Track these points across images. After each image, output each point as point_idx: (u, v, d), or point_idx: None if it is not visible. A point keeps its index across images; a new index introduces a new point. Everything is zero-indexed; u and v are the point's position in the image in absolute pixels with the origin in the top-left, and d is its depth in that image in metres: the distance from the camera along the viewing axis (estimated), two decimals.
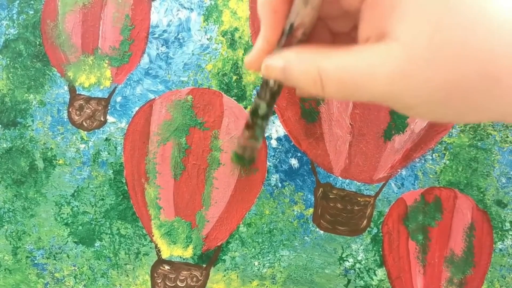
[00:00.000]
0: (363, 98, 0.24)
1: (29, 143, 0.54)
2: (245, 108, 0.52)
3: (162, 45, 0.53)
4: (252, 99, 0.52)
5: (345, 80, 0.24)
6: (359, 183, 0.52)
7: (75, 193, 0.54)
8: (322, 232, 0.52)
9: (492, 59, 0.20)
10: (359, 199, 0.52)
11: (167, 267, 0.53)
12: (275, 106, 0.36)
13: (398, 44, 0.22)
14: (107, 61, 0.53)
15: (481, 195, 0.50)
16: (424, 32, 0.21)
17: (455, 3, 0.21)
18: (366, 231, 0.52)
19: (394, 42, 0.22)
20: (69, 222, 0.54)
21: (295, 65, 0.27)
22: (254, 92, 0.52)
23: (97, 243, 0.54)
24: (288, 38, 0.28)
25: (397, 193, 0.51)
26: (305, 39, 0.28)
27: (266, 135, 0.52)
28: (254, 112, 0.35)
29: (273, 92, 0.32)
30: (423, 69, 0.21)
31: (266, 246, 0.52)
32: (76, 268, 0.54)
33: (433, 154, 0.51)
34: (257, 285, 0.53)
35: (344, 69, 0.24)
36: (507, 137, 0.50)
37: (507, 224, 0.50)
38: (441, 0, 0.21)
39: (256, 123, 0.35)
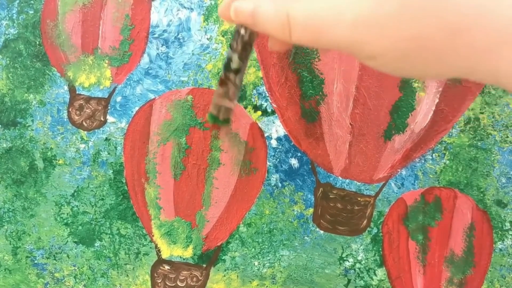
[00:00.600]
0: (328, 44, 0.24)
1: (29, 143, 0.54)
2: (245, 108, 0.52)
3: (162, 45, 0.53)
4: (252, 98, 0.52)
5: (312, 23, 0.24)
6: (359, 183, 0.52)
7: (75, 193, 0.54)
8: (322, 232, 0.52)
9: (456, 11, 0.20)
10: (359, 199, 0.52)
11: (167, 267, 0.53)
12: (249, 60, 0.35)
13: None
14: (107, 61, 0.53)
15: (481, 195, 0.50)
16: None
17: None
18: (366, 231, 0.52)
19: None
20: (69, 222, 0.54)
21: (264, 7, 0.26)
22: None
23: (97, 243, 0.54)
24: None
25: (397, 193, 0.51)
26: None
27: (266, 134, 0.52)
28: (226, 66, 0.34)
29: (244, 42, 0.31)
30: (388, 17, 0.21)
31: (266, 246, 0.52)
32: (76, 268, 0.54)
33: (433, 154, 0.51)
34: (257, 285, 0.53)
35: (312, 11, 0.24)
36: (507, 137, 0.50)
37: (507, 224, 0.50)
38: None
39: (229, 78, 0.34)
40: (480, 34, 0.20)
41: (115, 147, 0.53)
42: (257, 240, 0.52)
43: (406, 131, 0.50)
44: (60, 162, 0.54)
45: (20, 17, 0.54)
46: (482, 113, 0.50)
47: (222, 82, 0.35)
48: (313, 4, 0.24)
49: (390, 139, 0.51)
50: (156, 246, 0.53)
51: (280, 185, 0.52)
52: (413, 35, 0.21)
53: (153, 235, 0.53)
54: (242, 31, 0.31)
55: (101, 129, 0.53)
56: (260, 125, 0.52)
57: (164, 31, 0.53)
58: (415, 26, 0.21)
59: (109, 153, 0.53)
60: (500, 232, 0.50)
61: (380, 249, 0.52)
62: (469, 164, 0.51)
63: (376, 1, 0.21)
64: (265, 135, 0.52)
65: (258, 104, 0.52)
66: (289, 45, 0.32)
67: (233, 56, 0.33)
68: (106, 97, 0.53)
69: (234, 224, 0.52)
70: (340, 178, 0.52)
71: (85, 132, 0.54)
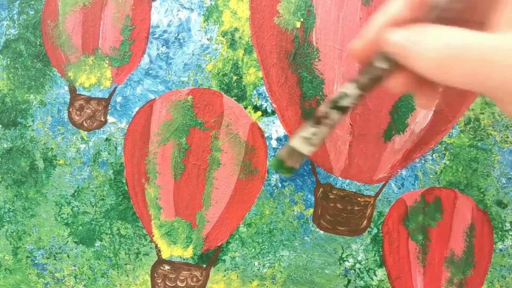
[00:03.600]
0: (486, 86, 0.21)
1: (30, 143, 0.54)
2: (245, 108, 0.52)
3: (163, 45, 0.53)
4: (252, 98, 0.52)
5: (480, 62, 0.21)
6: (359, 183, 0.52)
7: (75, 193, 0.54)
8: (322, 232, 0.52)
9: None
10: (359, 199, 0.52)
11: (167, 267, 0.53)
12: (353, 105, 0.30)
13: None
14: (107, 61, 0.53)
15: (481, 195, 0.50)
16: None
17: None
18: (366, 231, 0.52)
19: None
20: (69, 222, 0.54)
21: (418, 39, 0.23)
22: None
23: (97, 243, 0.54)
24: (437, 10, 0.24)
25: (397, 193, 0.51)
26: (451, 18, 0.24)
27: (266, 135, 0.52)
28: (335, 101, 0.29)
29: (375, 78, 0.27)
30: None
31: (266, 246, 0.52)
32: (76, 268, 0.54)
33: (433, 154, 0.51)
34: (257, 285, 0.53)
35: (483, 50, 0.21)
36: (507, 137, 0.50)
37: (507, 224, 0.50)
38: None
39: (329, 117, 0.29)
40: None
41: (115, 147, 0.53)
42: (257, 240, 0.52)
43: (406, 131, 0.50)
44: (61, 162, 0.54)
45: (20, 18, 0.54)
46: (482, 113, 0.50)
47: (318, 121, 0.30)
48: (487, 42, 0.21)
49: (390, 140, 0.51)
50: (156, 246, 0.53)
51: (280, 185, 0.52)
52: None
53: (153, 235, 0.53)
54: (381, 64, 0.27)
55: (101, 129, 0.53)
56: (260, 125, 0.52)
57: (165, 31, 0.53)
58: None
59: (109, 153, 0.53)
60: (500, 233, 0.50)
61: (380, 249, 0.52)
62: (469, 165, 0.50)
63: None
64: (265, 135, 0.52)
65: (258, 104, 0.52)
66: (412, 88, 0.28)
67: (353, 91, 0.28)
68: (107, 97, 0.53)
69: (234, 224, 0.52)
70: (340, 178, 0.52)
71: (86, 132, 0.54)
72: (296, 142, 0.31)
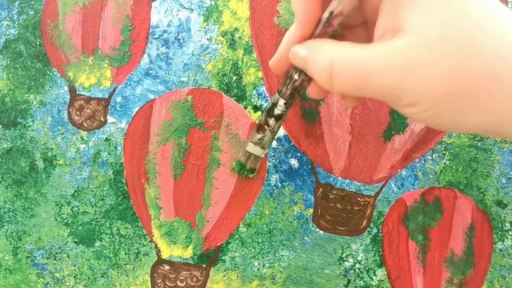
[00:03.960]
0: (371, 91, 0.25)
1: (30, 143, 0.54)
2: (245, 108, 0.52)
3: (162, 45, 0.53)
4: (252, 98, 0.52)
5: (357, 71, 0.25)
6: (359, 183, 0.52)
7: (75, 193, 0.54)
8: (322, 232, 0.52)
9: (495, 60, 0.22)
10: (359, 199, 0.52)
11: (167, 267, 0.53)
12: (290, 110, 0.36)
13: (414, 35, 0.23)
14: (107, 62, 0.53)
15: (481, 195, 0.50)
16: (438, 24, 0.22)
17: (464, 5, 0.22)
18: (366, 231, 0.52)
19: (409, 35, 0.23)
20: (69, 222, 0.54)
21: (314, 53, 0.27)
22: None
23: (97, 243, 0.54)
24: (324, 27, 0.28)
25: (397, 193, 0.51)
26: (340, 32, 0.28)
27: None
28: (269, 111, 0.33)
29: (294, 88, 0.32)
30: (434, 59, 0.22)
31: (266, 246, 0.52)
32: (76, 268, 0.54)
33: (433, 154, 0.51)
34: (257, 285, 0.53)
35: (358, 60, 0.25)
36: None
37: (507, 224, 0.50)
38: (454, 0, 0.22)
39: (268, 124, 0.34)
40: None
41: (115, 147, 0.53)
42: (257, 240, 0.52)
43: (406, 131, 0.50)
44: (61, 162, 0.54)
45: (20, 18, 0.54)
46: None
47: (260, 128, 0.34)
48: (359, 53, 0.25)
49: (390, 140, 0.51)
50: (156, 246, 0.53)
51: (280, 185, 0.52)
52: (454, 78, 0.22)
53: (153, 235, 0.53)
54: (295, 76, 0.31)
55: (101, 129, 0.54)
56: None
57: (164, 31, 0.53)
58: (457, 70, 0.22)
59: (109, 153, 0.53)
60: (500, 233, 0.50)
61: (380, 249, 0.52)
62: (469, 165, 0.50)
63: (422, 45, 0.22)
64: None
65: (258, 104, 0.52)
66: (325, 94, 0.33)
67: (279, 101, 0.33)
68: (106, 97, 0.53)
69: (234, 224, 0.52)
70: (340, 178, 0.52)
71: (85, 132, 0.54)
72: (250, 147, 0.36)
